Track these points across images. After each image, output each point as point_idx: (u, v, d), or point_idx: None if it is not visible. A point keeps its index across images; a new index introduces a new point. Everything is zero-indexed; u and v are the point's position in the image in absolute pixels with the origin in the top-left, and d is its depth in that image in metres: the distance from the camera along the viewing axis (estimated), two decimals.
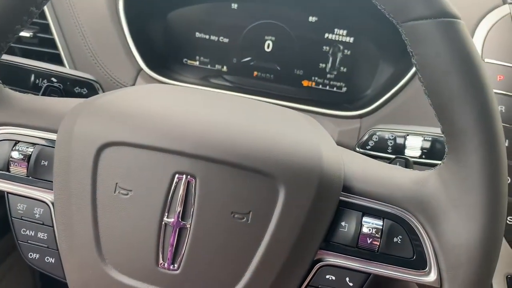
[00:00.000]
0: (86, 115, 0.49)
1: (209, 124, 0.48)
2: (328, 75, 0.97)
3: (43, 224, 0.52)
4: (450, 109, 0.43)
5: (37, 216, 0.52)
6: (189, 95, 0.56)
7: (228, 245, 0.46)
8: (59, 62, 0.89)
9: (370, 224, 0.48)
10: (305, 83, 0.99)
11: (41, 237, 0.52)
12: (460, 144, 0.44)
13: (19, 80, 0.76)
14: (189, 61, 1.02)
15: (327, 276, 0.49)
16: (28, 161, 0.52)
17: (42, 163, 0.52)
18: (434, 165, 0.51)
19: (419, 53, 0.44)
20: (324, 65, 0.97)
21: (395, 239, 0.48)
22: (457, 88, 0.42)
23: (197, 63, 1.02)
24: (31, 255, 0.53)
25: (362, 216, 0.48)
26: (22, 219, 0.52)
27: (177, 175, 0.46)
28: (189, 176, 0.46)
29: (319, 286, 0.49)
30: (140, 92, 0.54)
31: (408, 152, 0.71)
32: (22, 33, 0.89)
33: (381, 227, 0.48)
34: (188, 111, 0.50)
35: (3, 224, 0.92)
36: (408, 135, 0.71)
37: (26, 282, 1.03)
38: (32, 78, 0.76)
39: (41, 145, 0.52)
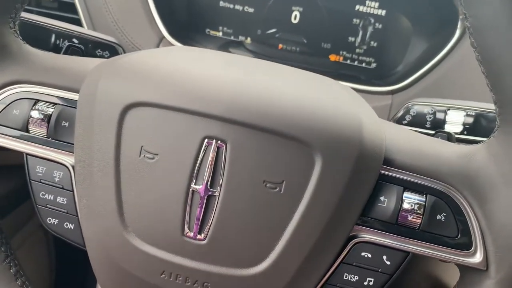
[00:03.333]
0: (110, 73, 0.46)
1: (243, 86, 0.45)
2: (357, 50, 0.93)
3: (62, 188, 0.49)
4: (506, 77, 0.40)
5: (56, 179, 0.49)
6: (221, 57, 0.53)
7: (259, 216, 0.43)
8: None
9: (411, 200, 0.45)
10: (333, 57, 0.95)
11: (60, 201, 0.50)
12: None
13: (39, 40, 0.74)
14: (212, 32, 0.99)
15: (363, 254, 0.46)
16: (48, 122, 0.49)
17: (63, 124, 0.49)
18: (476, 142, 0.48)
19: (473, 14, 0.40)
20: (353, 39, 0.93)
21: (438, 217, 0.45)
22: None
23: (220, 33, 0.99)
24: (49, 220, 0.50)
25: (403, 191, 0.45)
26: (41, 182, 0.50)
27: (206, 140, 0.43)
28: (219, 141, 0.43)
29: (354, 264, 0.46)
30: (167, 52, 0.51)
31: (448, 128, 0.68)
32: None
33: (423, 203, 0.45)
34: (220, 73, 0.47)
35: (20, 192, 0.92)
36: (449, 109, 0.67)
37: (42, 251, 1.03)
38: (53, 39, 0.73)
39: (62, 105, 0.49)
